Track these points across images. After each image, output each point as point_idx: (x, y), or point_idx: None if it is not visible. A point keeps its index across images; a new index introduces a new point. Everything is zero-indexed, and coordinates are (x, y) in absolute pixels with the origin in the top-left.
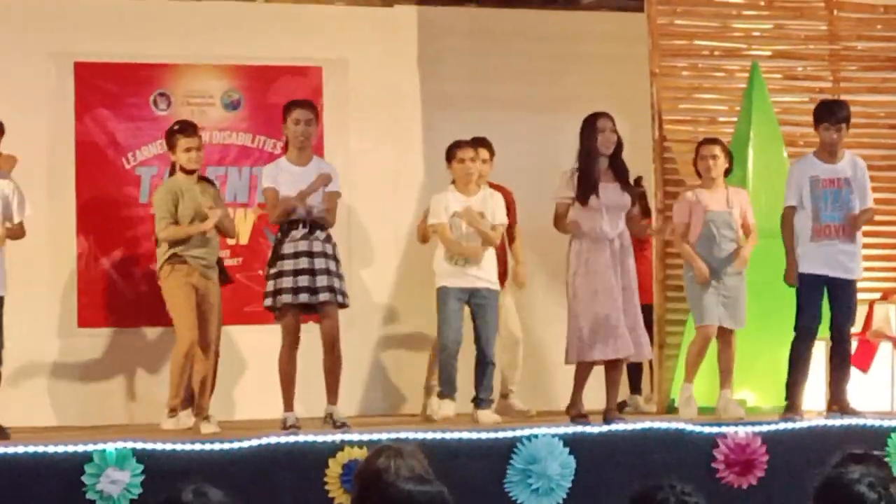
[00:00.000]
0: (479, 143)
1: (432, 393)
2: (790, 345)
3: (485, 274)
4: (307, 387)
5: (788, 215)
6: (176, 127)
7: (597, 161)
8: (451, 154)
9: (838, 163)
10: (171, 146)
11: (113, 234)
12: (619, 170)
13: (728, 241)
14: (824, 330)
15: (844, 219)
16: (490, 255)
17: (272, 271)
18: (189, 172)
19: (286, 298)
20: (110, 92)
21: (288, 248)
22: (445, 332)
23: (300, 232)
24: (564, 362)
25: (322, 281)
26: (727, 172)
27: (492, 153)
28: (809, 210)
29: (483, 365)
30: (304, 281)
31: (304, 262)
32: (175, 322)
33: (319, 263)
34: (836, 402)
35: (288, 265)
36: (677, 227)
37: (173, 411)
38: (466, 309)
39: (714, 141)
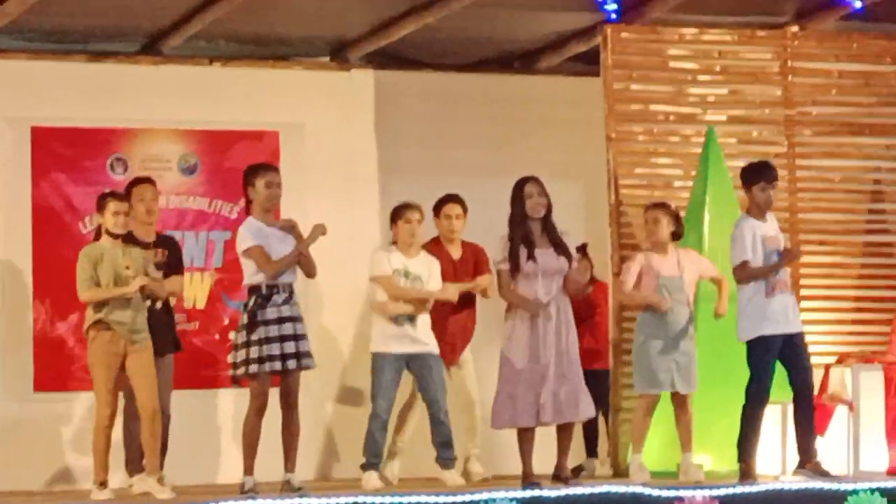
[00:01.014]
0: (453, 199)
1: (395, 455)
2: (743, 408)
3: (423, 337)
4: (260, 451)
5: (745, 268)
6: (108, 191)
7: (526, 226)
8: (397, 214)
9: (769, 221)
10: (101, 209)
11: (69, 298)
12: (551, 233)
13: (680, 304)
14: (776, 394)
15: (785, 273)
16: (426, 320)
17: (253, 338)
18: (115, 237)
19: (276, 366)
20: (67, 156)
21: (271, 314)
22: (378, 402)
23: (282, 296)
24: (491, 426)
25: (304, 346)
26: (677, 236)
27: (464, 209)
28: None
29: (437, 424)
30: (290, 347)
31: (288, 328)
32: (95, 393)
33: (300, 329)
34: (808, 461)
35: (273, 331)
36: (625, 284)
37: (102, 485)
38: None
39: (658, 205)
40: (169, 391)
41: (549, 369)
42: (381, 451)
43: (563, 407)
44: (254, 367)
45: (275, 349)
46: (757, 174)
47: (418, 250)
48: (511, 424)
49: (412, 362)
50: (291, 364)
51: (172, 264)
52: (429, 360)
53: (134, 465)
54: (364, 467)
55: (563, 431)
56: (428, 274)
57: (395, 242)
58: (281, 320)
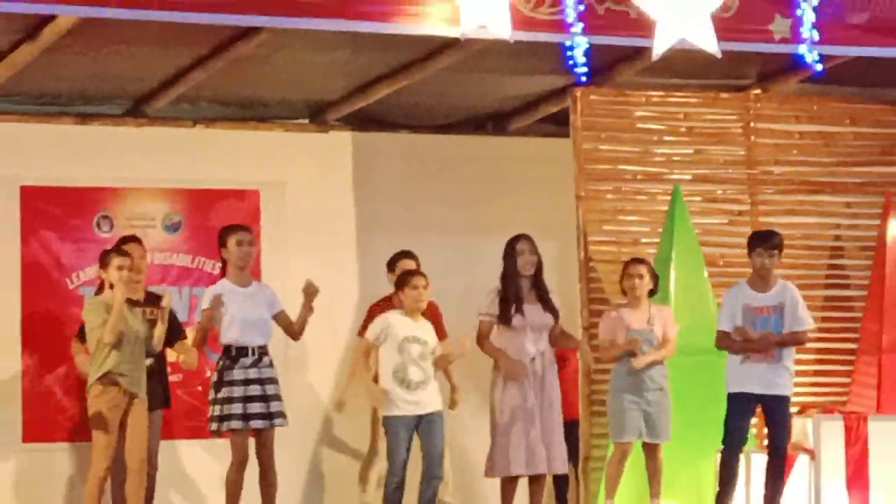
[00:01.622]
0: (406, 255)
1: None
2: (720, 460)
3: (432, 398)
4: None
5: (722, 338)
6: (110, 248)
7: (517, 282)
8: (404, 281)
9: (770, 290)
10: (104, 265)
11: (56, 351)
12: (540, 290)
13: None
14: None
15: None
16: (434, 377)
17: (220, 396)
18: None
19: (235, 424)
20: (55, 215)
21: (238, 375)
22: (396, 462)
23: (250, 359)
24: (484, 475)
25: (276, 406)
26: (652, 292)
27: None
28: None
29: (431, 481)
30: (256, 408)
31: (255, 389)
32: (94, 446)
33: (270, 390)
34: None
35: (238, 392)
36: (603, 343)
37: None
38: None
39: (641, 261)
40: (157, 444)
41: (535, 420)
42: None
43: (543, 459)
44: (214, 425)
45: (236, 409)
46: (754, 241)
47: (419, 316)
48: (505, 473)
49: (421, 421)
50: (257, 423)
51: (172, 328)
52: (434, 420)
53: None
54: None
55: (536, 482)
56: (432, 336)
57: (399, 306)
58: (247, 382)
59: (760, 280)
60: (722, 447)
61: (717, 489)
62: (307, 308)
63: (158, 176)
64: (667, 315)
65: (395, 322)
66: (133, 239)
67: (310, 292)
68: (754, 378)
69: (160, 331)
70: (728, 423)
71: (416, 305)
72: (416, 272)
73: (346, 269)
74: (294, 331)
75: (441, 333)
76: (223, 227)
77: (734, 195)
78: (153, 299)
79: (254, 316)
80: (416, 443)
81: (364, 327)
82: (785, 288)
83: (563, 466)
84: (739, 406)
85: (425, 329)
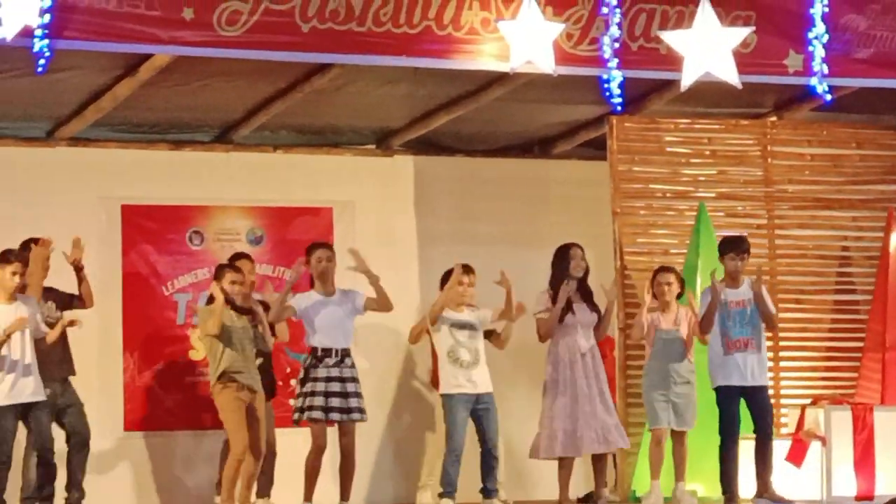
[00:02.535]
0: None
1: (427, 488)
2: (722, 449)
3: (484, 379)
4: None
5: (701, 323)
6: (225, 262)
7: (569, 284)
8: (445, 280)
9: (740, 287)
10: (218, 277)
11: (154, 350)
12: (586, 292)
13: (676, 354)
14: (747, 429)
15: (752, 333)
16: (484, 362)
17: (304, 390)
18: (229, 303)
19: (315, 415)
20: (152, 230)
21: (321, 373)
22: (454, 438)
23: (333, 360)
24: (529, 456)
25: (355, 403)
26: (679, 295)
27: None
28: (719, 329)
29: (488, 459)
30: (336, 402)
31: (335, 386)
32: (228, 433)
33: (351, 387)
34: (764, 490)
35: (320, 387)
36: (636, 329)
37: None
38: None
39: (669, 269)
40: (273, 432)
41: (585, 406)
42: (455, 482)
43: (602, 438)
44: (296, 415)
45: (317, 401)
46: (726, 246)
47: (463, 308)
48: (550, 455)
49: (476, 402)
50: (335, 416)
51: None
52: (488, 401)
53: (262, 489)
54: (441, 496)
55: (599, 461)
56: (478, 320)
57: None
58: (329, 379)
59: (731, 280)
60: (721, 438)
61: (721, 470)
62: (372, 278)
63: (243, 195)
64: (688, 314)
65: (446, 313)
66: (245, 255)
67: (362, 270)
68: (739, 371)
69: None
70: (723, 414)
71: (461, 300)
72: (468, 271)
73: (408, 279)
74: (383, 306)
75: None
76: (309, 245)
77: (753, 211)
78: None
79: (337, 321)
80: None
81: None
82: (749, 283)
83: (623, 442)
84: (729, 397)
85: (471, 315)
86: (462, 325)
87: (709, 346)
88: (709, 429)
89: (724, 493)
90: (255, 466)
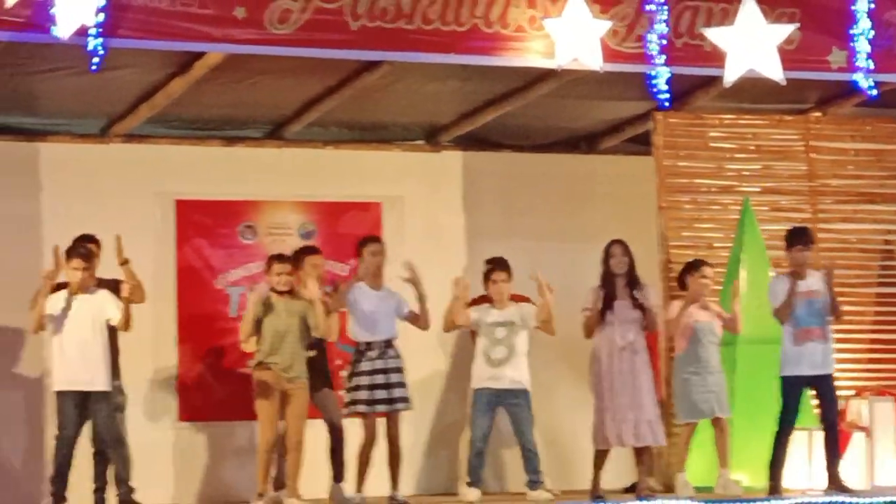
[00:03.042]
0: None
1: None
2: (777, 438)
3: (517, 376)
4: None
5: (780, 310)
6: (274, 253)
7: (612, 281)
8: (487, 277)
9: (808, 278)
10: (268, 269)
11: (207, 342)
12: (632, 287)
13: (712, 344)
14: (802, 421)
15: (820, 323)
16: (523, 358)
17: (351, 384)
18: (279, 294)
19: (361, 408)
20: (205, 224)
21: (365, 366)
22: (474, 431)
23: (375, 352)
24: (594, 446)
25: (399, 393)
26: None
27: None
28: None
29: (525, 452)
30: (381, 394)
31: (379, 378)
32: (258, 421)
33: (394, 378)
34: (834, 482)
35: (364, 381)
36: (670, 315)
37: (260, 495)
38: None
39: (704, 264)
40: (339, 418)
41: (627, 401)
42: (480, 472)
43: (642, 432)
44: (345, 410)
45: (362, 395)
46: (792, 238)
47: (507, 304)
48: (604, 446)
49: (506, 398)
50: (381, 408)
51: None
52: (518, 397)
53: (280, 482)
54: (468, 485)
55: (643, 453)
56: (521, 317)
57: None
58: (373, 372)
59: (798, 270)
60: (779, 427)
61: (772, 460)
62: (421, 294)
63: (294, 191)
64: (720, 308)
65: (484, 312)
66: (317, 250)
67: (415, 283)
68: (808, 360)
69: (314, 320)
70: (786, 404)
71: (498, 297)
72: (495, 269)
73: (456, 271)
74: (421, 323)
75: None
76: (360, 238)
77: (797, 205)
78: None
79: (381, 315)
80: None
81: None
82: (818, 275)
83: (659, 439)
84: (794, 388)
85: (511, 313)
86: (499, 324)
87: (783, 336)
88: (754, 419)
89: (770, 479)
90: (297, 458)
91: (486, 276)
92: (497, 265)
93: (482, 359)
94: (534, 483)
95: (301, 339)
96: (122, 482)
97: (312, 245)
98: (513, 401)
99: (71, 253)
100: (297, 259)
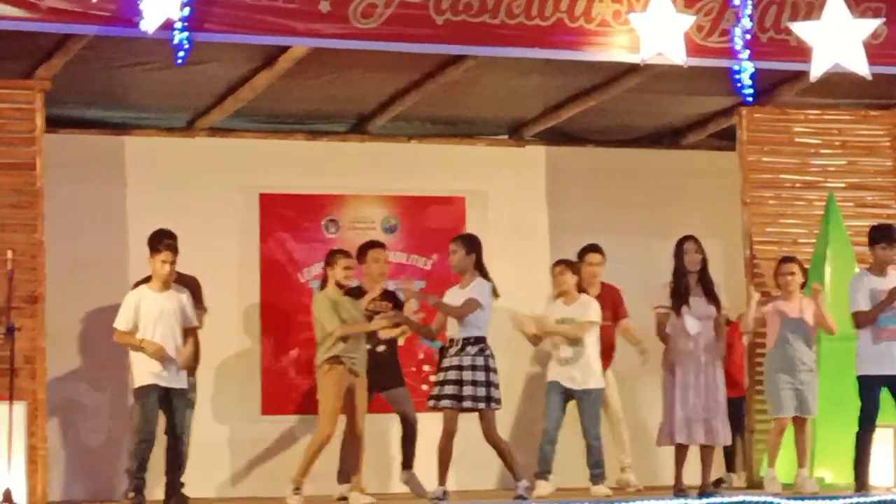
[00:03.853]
0: (593, 248)
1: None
2: (859, 437)
3: (586, 376)
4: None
5: (855, 317)
6: (336, 248)
7: (685, 277)
8: (553, 272)
9: (888, 276)
10: (331, 264)
11: (290, 336)
12: (705, 284)
13: (800, 341)
14: (885, 418)
15: None
16: (592, 356)
17: (437, 379)
18: (342, 288)
19: (445, 403)
20: (289, 218)
21: (445, 363)
22: (548, 421)
23: (454, 349)
24: (656, 444)
25: (481, 392)
26: (803, 285)
27: (603, 257)
28: None
29: (588, 447)
30: (468, 391)
31: (452, 375)
32: (320, 413)
33: (466, 376)
34: None
35: (440, 376)
36: (747, 320)
37: (297, 489)
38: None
39: (792, 259)
40: (412, 411)
41: (699, 398)
42: (550, 463)
43: (710, 431)
44: (431, 402)
45: (447, 390)
46: (878, 236)
47: (577, 297)
48: (668, 443)
49: (574, 394)
50: (466, 404)
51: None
52: (586, 395)
53: (344, 476)
54: (536, 476)
55: (706, 450)
56: (582, 312)
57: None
58: (448, 369)
59: (879, 268)
60: (860, 426)
61: (855, 457)
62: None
63: (377, 185)
64: (811, 304)
65: (553, 307)
66: (380, 245)
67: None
68: (884, 359)
69: (378, 325)
70: (866, 402)
71: (560, 290)
72: (560, 262)
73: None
74: (427, 334)
75: (621, 313)
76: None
77: (882, 201)
78: (388, 297)
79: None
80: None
81: None
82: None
83: (724, 439)
84: (869, 387)
85: (578, 309)
86: (565, 321)
87: (857, 336)
88: (838, 417)
89: (856, 480)
90: (360, 449)
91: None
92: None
93: (553, 356)
94: (596, 477)
95: (364, 335)
96: (177, 476)
97: (375, 240)
98: (580, 397)
99: (159, 246)
100: (360, 254)
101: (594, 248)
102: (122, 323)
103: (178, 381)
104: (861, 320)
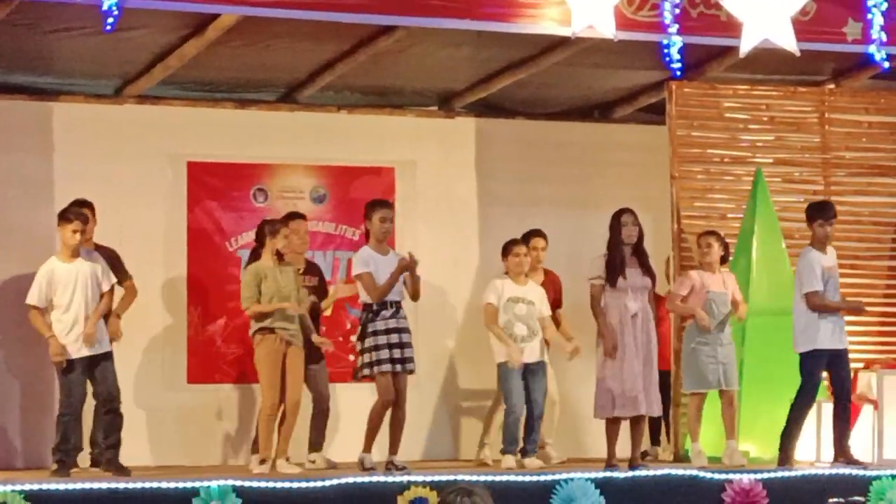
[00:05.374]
0: (537, 233)
1: (485, 446)
2: (792, 406)
3: (535, 350)
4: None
5: (817, 297)
6: (275, 219)
7: (621, 250)
8: (506, 250)
9: (829, 253)
10: (273, 233)
11: (217, 305)
12: (641, 256)
13: (723, 315)
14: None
15: (841, 298)
16: (539, 339)
17: (366, 345)
18: (280, 257)
19: (385, 368)
20: (217, 187)
21: (380, 326)
22: (512, 402)
23: (389, 311)
24: (594, 416)
25: (409, 353)
26: (724, 260)
27: (546, 242)
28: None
29: (532, 420)
30: (396, 353)
31: (394, 338)
32: (261, 384)
33: (406, 338)
34: (842, 454)
35: (382, 339)
36: (675, 297)
37: (263, 461)
38: None
39: (710, 233)
40: (326, 388)
41: (635, 369)
42: (518, 439)
43: (647, 402)
44: (366, 371)
45: (384, 355)
46: (816, 213)
47: (527, 279)
48: (610, 415)
49: (529, 367)
50: (397, 367)
51: (320, 287)
52: (536, 368)
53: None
54: (503, 451)
55: (637, 424)
56: (540, 299)
57: (507, 273)
58: (388, 331)
59: (821, 246)
60: (798, 399)
61: (784, 431)
62: (414, 277)
63: (307, 154)
64: (732, 279)
65: (502, 285)
66: (301, 216)
67: (408, 266)
68: (828, 334)
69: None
70: (808, 378)
71: (518, 269)
72: (517, 241)
73: (468, 237)
74: (411, 294)
75: (559, 302)
76: (369, 202)
77: (810, 177)
78: (312, 270)
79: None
80: None
81: None
82: (833, 251)
83: (657, 409)
84: (815, 361)
85: (531, 290)
86: (518, 300)
87: (796, 311)
88: (762, 391)
89: (781, 449)
90: (293, 419)
91: (506, 249)
92: (517, 239)
93: (505, 335)
94: (530, 451)
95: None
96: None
97: (296, 211)
98: (530, 372)
99: (68, 215)
100: (284, 223)
101: (538, 233)
102: (33, 298)
103: (101, 347)
104: (821, 304)
